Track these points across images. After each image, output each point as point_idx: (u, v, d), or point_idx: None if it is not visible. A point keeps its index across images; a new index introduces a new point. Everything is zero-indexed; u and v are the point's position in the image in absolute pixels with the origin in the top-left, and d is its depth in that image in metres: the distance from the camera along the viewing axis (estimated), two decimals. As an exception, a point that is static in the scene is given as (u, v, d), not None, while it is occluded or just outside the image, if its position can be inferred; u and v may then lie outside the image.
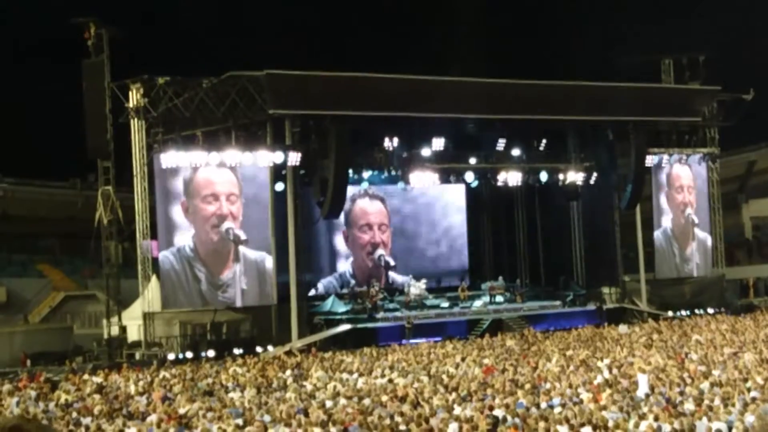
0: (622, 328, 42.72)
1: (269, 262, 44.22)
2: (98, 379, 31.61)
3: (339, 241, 52.41)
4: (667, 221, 55.29)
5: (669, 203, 55.34)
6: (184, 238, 42.92)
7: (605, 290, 53.17)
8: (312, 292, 49.35)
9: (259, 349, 41.53)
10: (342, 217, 49.84)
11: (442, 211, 55.74)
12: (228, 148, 42.98)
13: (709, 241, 56.93)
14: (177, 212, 42.92)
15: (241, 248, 43.63)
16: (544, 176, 52.11)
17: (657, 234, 54.78)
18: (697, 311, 51.68)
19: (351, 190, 49.51)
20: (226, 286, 43.52)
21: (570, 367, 28.71)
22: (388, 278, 52.26)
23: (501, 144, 50.77)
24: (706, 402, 19.79)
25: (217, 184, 43.47)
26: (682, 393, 21.99)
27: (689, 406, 19.71)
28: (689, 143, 55.25)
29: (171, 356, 40.43)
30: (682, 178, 55.77)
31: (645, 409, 19.44)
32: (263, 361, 36.06)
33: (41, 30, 60.47)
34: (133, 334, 44.08)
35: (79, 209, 50.91)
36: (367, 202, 52.84)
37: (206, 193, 43.25)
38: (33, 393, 28.85)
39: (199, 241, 43.11)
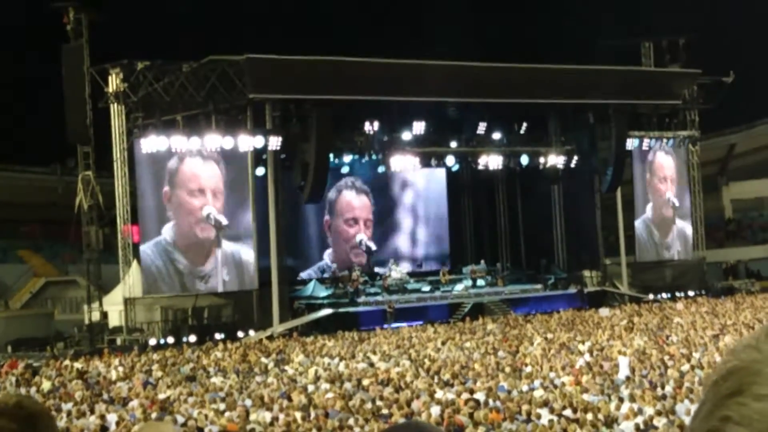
0: (603, 312, 42.87)
1: (250, 247, 44.12)
2: (79, 365, 31.55)
3: (322, 229, 52.35)
4: (648, 210, 55.28)
5: (651, 192, 55.33)
6: (164, 228, 42.73)
7: (586, 273, 53.31)
8: (298, 278, 49.31)
9: (240, 334, 41.48)
10: (327, 205, 49.82)
11: (423, 195, 55.67)
12: (208, 133, 42.79)
13: (688, 230, 56.93)
14: (159, 199, 42.73)
15: (223, 238, 43.47)
16: (525, 160, 52.08)
17: (637, 223, 54.75)
18: (677, 294, 51.87)
19: (337, 180, 49.50)
20: (208, 276, 43.43)
21: (551, 351, 28.81)
22: (370, 263, 52.20)
23: (482, 128, 50.65)
24: (687, 384, 19.89)
25: (203, 178, 43.30)
26: (662, 375, 22.10)
27: (670, 388, 19.81)
28: (669, 126, 55.21)
29: (152, 341, 40.33)
30: (665, 169, 55.81)
31: (626, 392, 19.53)
32: (245, 345, 36.08)
33: (20, 14, 60.02)
34: (114, 319, 43.96)
35: (59, 195, 50.57)
36: (353, 195, 52.78)
37: (192, 187, 43.02)
38: (13, 379, 28.76)
39: (180, 232, 42.89)
